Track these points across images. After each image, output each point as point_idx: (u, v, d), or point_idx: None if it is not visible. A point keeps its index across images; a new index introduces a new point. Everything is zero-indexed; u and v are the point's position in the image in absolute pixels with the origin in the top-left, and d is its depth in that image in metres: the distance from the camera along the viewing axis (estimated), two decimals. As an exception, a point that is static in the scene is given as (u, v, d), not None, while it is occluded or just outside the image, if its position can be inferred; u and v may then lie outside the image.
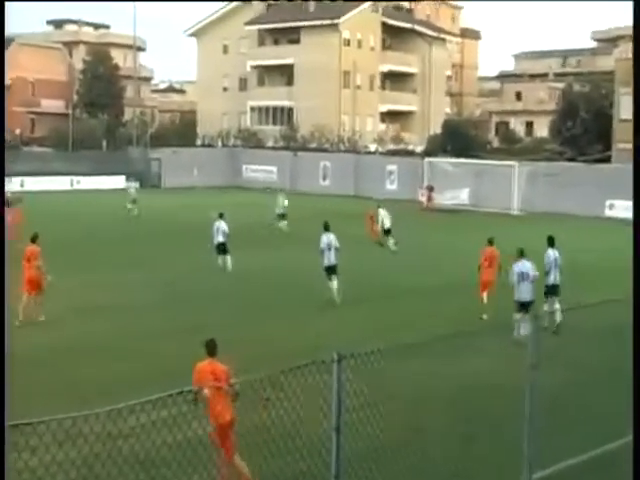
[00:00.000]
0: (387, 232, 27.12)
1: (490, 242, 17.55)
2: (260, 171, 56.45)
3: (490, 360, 11.83)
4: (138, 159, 57.59)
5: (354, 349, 6.53)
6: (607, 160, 47.23)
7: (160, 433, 6.59)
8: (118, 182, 53.44)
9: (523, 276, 14.47)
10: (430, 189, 43.50)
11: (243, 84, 70.80)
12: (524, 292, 14.44)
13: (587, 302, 10.35)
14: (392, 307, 17.83)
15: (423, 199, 43.66)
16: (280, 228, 30.81)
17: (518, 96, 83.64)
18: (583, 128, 50.58)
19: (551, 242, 15.93)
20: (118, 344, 14.05)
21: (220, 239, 22.40)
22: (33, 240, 16.18)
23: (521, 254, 14.91)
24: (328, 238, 18.15)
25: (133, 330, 15.08)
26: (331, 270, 18.04)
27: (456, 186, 43.66)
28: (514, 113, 79.55)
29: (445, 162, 45.85)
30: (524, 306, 14.21)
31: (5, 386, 9.16)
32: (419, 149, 62.19)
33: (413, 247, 27.90)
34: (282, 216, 31.34)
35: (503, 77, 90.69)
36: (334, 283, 18.03)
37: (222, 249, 22.35)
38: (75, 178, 52.25)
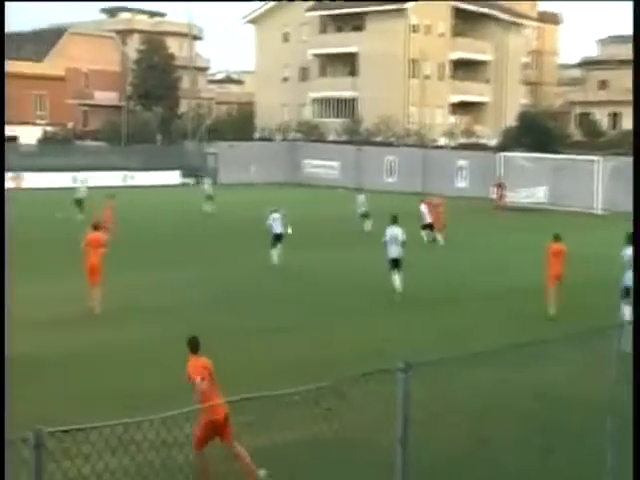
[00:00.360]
0: (426, 227, 28.12)
1: (556, 238, 17.90)
2: (321, 166, 56.61)
3: (566, 369, 11.66)
4: (193, 153, 58.44)
5: (420, 355, 6.54)
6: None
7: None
8: (173, 177, 54.35)
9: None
10: (500, 186, 42.95)
11: (304, 74, 71.10)
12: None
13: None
14: (459, 311, 17.76)
15: (495, 197, 43.19)
16: (364, 228, 31.05)
17: (602, 85, 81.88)
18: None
19: (631, 238, 15.40)
20: (169, 347, 14.23)
21: (278, 230, 23.56)
22: (96, 228, 17.34)
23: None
24: (392, 231, 19.04)
25: (185, 332, 15.22)
26: (395, 263, 18.92)
27: (533, 183, 43.01)
28: (598, 103, 77.94)
29: (521, 157, 45.19)
30: None
31: (5, 387, 9.47)
32: (492, 143, 61.40)
33: (483, 248, 27.70)
34: (365, 215, 31.77)
35: (586, 64, 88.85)
36: (396, 277, 18.84)
37: (278, 240, 23.45)
38: (128, 173, 53.28)
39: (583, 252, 23.07)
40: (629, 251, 15.02)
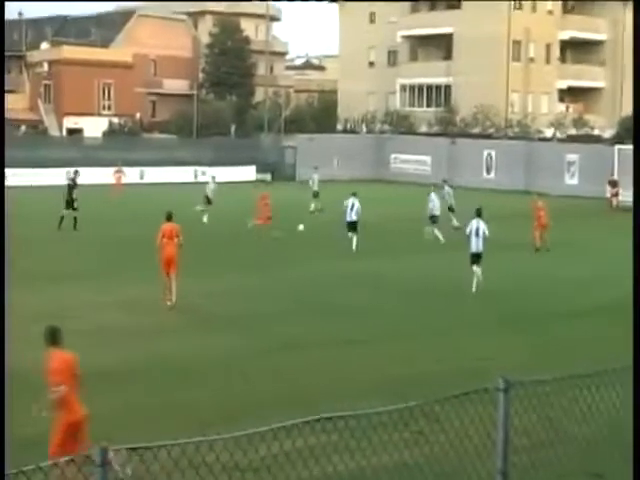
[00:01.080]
0: (432, 218, 29.50)
1: None
2: (411, 161, 56.47)
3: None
4: (270, 147, 59.09)
5: (519, 376, 6.45)
6: None
7: (295, 466, 6.75)
8: (248, 173, 55.01)
9: None
10: (613, 184, 41.95)
11: (392, 58, 71.02)
12: None
13: None
14: (563, 328, 17.46)
15: (609, 196, 42.31)
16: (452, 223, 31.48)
17: None
18: None
19: None
20: (242, 361, 14.42)
21: (353, 217, 26.80)
22: (169, 218, 18.67)
23: None
24: (477, 223, 20.44)
25: (259, 344, 15.48)
26: (476, 257, 20.33)
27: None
28: None
29: (641, 150, 44.08)
30: None
31: (5, 388, 9.87)
32: (608, 134, 60.10)
33: (594, 255, 27.24)
34: (451, 209, 32.40)
35: None
36: (478, 271, 20.27)
37: (353, 227, 26.65)
38: (200, 169, 54.15)
39: None
40: None
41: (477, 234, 20.20)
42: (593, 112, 68.28)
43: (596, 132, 62.25)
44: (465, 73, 64.12)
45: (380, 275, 22.66)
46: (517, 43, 65.40)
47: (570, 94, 68.86)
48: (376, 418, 6.19)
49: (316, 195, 37.64)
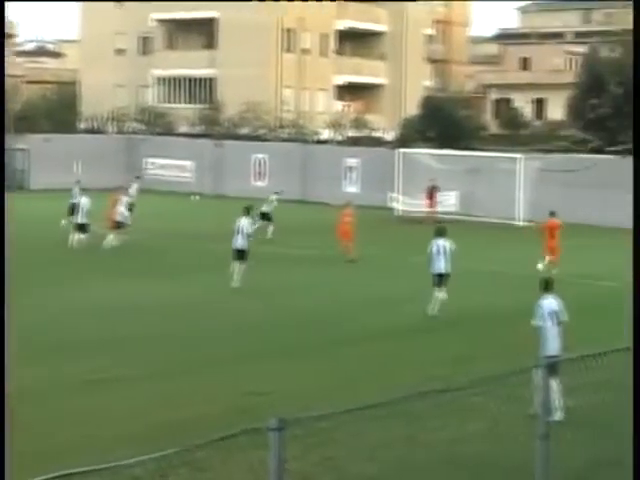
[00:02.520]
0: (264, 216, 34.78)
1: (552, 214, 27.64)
2: (170, 167, 56.24)
3: (486, 423, 12.00)
4: (-5, 150, 56.89)
5: (299, 412, 6.59)
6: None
7: None
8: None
9: (553, 318, 13.82)
10: (432, 191, 43.56)
11: (145, 45, 70.61)
12: (553, 341, 13.63)
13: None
14: (351, 354, 17.97)
15: (423, 205, 43.76)
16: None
17: (524, 63, 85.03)
18: (613, 108, 51.47)
19: (547, 287, 14.32)
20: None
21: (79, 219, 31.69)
22: None
23: (546, 287, 14.14)
24: (241, 222, 24.46)
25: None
26: (238, 255, 24.25)
27: (441, 187, 44.10)
28: (519, 87, 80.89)
29: (425, 154, 46.29)
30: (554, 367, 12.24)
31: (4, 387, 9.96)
32: (389, 136, 62.59)
33: (384, 272, 28.18)
34: (265, 215, 35.39)
35: (504, 38, 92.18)
36: (242, 267, 24.15)
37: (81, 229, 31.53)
38: None
39: (506, 273, 23.74)
40: (546, 304, 14.05)
41: (240, 232, 24.40)
42: (373, 111, 70.75)
43: (377, 134, 64.53)
44: (231, 64, 64.71)
45: (150, 301, 22.47)
46: (289, 32, 66.79)
47: (349, 91, 71.07)
48: (127, 471, 6.12)
49: (131, 207, 36.44)
